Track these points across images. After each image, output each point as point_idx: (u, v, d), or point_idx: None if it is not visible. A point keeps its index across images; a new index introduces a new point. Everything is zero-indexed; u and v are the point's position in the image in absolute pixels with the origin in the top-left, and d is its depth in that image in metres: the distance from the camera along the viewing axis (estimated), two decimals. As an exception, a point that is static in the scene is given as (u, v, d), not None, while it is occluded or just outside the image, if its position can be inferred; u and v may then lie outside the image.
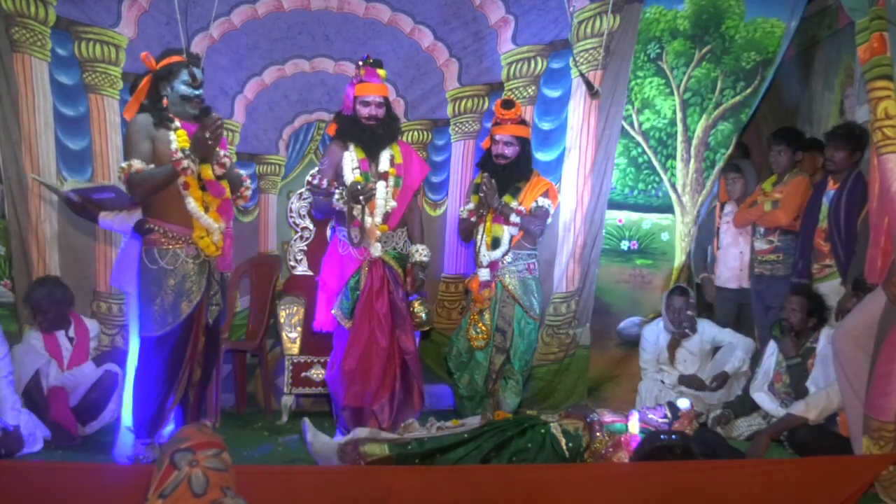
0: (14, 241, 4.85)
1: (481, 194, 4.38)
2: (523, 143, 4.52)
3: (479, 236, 4.51)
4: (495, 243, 4.49)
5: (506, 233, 4.48)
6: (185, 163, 3.50)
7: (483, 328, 4.48)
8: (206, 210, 3.64)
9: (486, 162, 4.56)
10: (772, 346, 4.62)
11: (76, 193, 4.03)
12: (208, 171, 3.63)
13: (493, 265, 4.49)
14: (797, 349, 4.43)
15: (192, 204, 3.60)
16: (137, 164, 3.51)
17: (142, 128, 3.59)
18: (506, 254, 4.49)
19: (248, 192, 3.95)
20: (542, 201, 4.51)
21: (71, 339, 4.52)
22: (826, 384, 4.09)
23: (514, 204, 4.47)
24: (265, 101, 5.31)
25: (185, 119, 3.66)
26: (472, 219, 4.53)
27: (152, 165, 3.55)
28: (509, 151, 4.47)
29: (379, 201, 4.20)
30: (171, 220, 3.61)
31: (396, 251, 4.31)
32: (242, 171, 3.98)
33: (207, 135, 3.47)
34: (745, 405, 4.61)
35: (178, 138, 3.58)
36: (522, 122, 4.57)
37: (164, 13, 4.90)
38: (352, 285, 4.22)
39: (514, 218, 4.43)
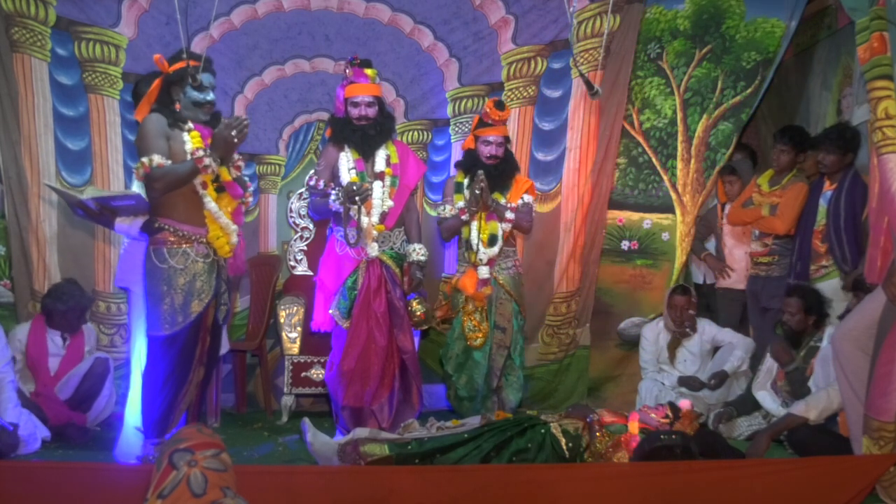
0: (14, 240, 4.86)
1: (477, 193, 4.36)
2: (507, 141, 4.60)
3: (474, 234, 4.50)
4: (492, 240, 4.51)
5: (499, 230, 4.52)
6: (207, 161, 3.47)
7: (479, 326, 4.48)
8: None
9: (471, 163, 4.54)
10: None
11: (94, 201, 3.95)
12: (226, 174, 3.62)
13: (491, 262, 4.51)
14: (792, 357, 4.42)
15: (213, 204, 3.57)
16: (158, 158, 3.47)
17: (157, 125, 3.55)
18: (501, 250, 4.53)
19: (251, 199, 3.92)
20: (528, 198, 4.62)
21: (64, 339, 4.49)
22: (826, 384, 4.09)
23: (502, 201, 4.51)
24: (265, 101, 5.31)
25: (197, 123, 3.64)
26: (464, 217, 4.51)
27: (170, 162, 3.51)
28: (501, 152, 4.51)
29: (375, 201, 4.21)
30: (181, 220, 3.56)
31: (394, 251, 4.31)
32: (245, 176, 3.95)
33: (233, 133, 3.46)
34: (747, 404, 4.61)
35: (192, 139, 3.55)
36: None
37: (164, 13, 4.90)
38: (349, 285, 4.23)
39: (509, 214, 4.48)
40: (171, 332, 3.51)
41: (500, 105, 4.52)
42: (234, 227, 3.66)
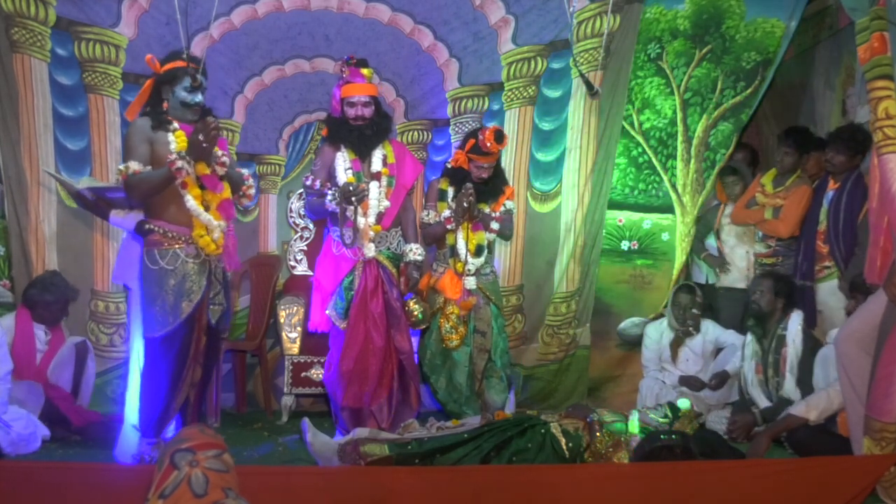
0: (14, 240, 4.85)
1: (465, 205, 4.34)
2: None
3: (461, 244, 4.49)
4: (478, 251, 4.50)
5: (485, 240, 4.53)
6: (180, 163, 3.51)
7: (457, 328, 4.47)
8: (207, 209, 3.65)
9: (461, 179, 4.49)
10: (747, 340, 4.67)
11: (91, 191, 4.05)
12: (204, 168, 3.63)
13: (477, 272, 4.50)
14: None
15: (192, 202, 3.60)
16: (135, 165, 3.55)
17: (139, 131, 3.62)
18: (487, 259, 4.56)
19: (252, 191, 3.95)
20: (509, 204, 4.62)
21: (46, 335, 4.47)
22: (826, 384, 4.10)
23: (486, 210, 4.52)
24: (265, 101, 5.31)
25: (184, 123, 3.67)
26: (450, 226, 4.49)
27: (149, 168, 3.57)
28: (489, 174, 4.51)
29: (372, 201, 4.20)
30: (170, 220, 3.63)
31: (390, 251, 4.31)
32: (244, 170, 3.97)
33: (201, 137, 3.49)
34: (746, 406, 4.61)
35: (176, 139, 3.60)
36: None
37: (164, 13, 4.89)
38: (346, 285, 4.22)
39: (494, 225, 4.49)
40: (164, 332, 3.57)
41: (499, 138, 4.38)
42: (218, 223, 3.67)
